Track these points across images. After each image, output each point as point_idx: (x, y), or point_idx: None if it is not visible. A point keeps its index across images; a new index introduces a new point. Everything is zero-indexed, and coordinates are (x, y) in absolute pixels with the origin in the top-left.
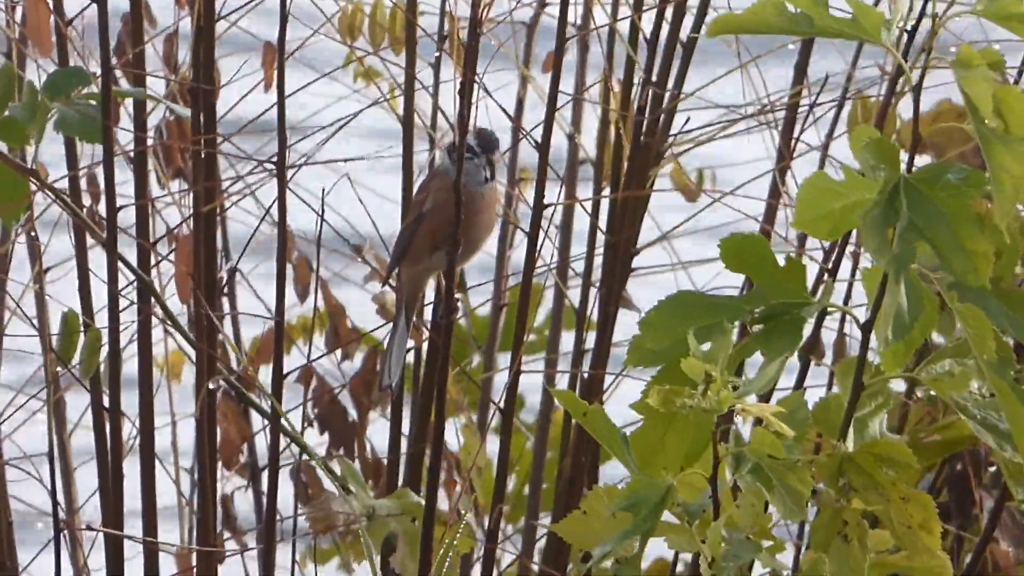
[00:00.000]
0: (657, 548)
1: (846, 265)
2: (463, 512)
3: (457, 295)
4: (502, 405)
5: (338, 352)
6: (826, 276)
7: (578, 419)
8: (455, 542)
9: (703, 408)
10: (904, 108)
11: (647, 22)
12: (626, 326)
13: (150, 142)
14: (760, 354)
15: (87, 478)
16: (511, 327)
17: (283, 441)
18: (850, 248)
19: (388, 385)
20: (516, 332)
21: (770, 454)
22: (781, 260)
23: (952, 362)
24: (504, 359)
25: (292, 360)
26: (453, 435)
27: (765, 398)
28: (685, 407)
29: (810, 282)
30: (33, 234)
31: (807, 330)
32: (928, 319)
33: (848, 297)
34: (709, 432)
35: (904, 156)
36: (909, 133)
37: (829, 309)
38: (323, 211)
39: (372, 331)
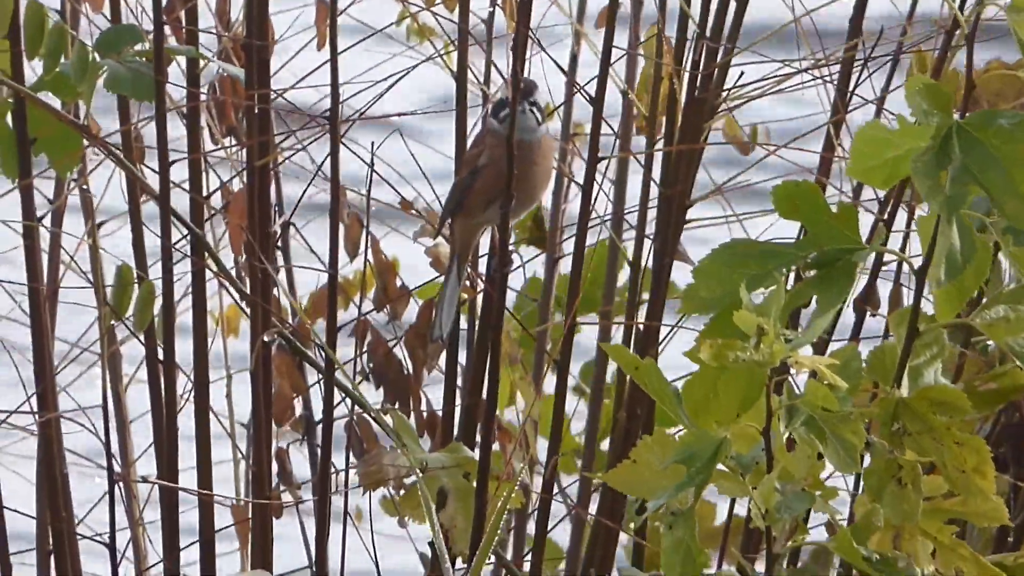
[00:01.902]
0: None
1: (902, 217)
2: (521, 467)
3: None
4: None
5: (388, 309)
6: (881, 226)
7: (629, 373)
8: (509, 498)
9: (756, 361)
10: (961, 63)
11: None
12: (681, 280)
13: (203, 98)
14: (814, 303)
15: (142, 431)
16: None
17: (338, 395)
18: (905, 199)
19: (439, 337)
20: (571, 284)
21: (824, 406)
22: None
23: (1007, 308)
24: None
25: (347, 316)
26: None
27: (820, 350)
28: (737, 360)
29: (866, 233)
30: (86, 188)
31: (862, 279)
32: (981, 265)
33: (904, 248)
34: (761, 383)
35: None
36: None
37: (885, 259)
38: (372, 163)
39: (420, 287)
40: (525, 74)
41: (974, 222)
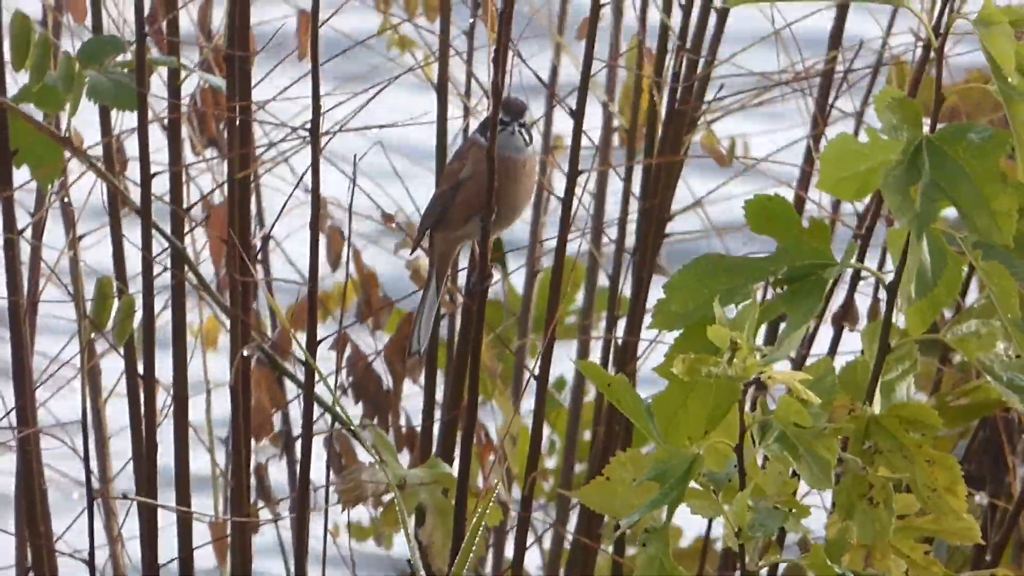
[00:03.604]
0: (697, 527)
1: (881, 232)
2: (496, 483)
3: (492, 263)
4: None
5: (371, 321)
6: (859, 241)
7: (603, 390)
8: (486, 512)
9: (729, 376)
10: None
11: None
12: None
13: (184, 109)
14: (782, 319)
15: (121, 446)
16: (545, 294)
17: (317, 410)
18: (884, 214)
19: (416, 351)
20: (550, 298)
21: (796, 422)
22: (806, 222)
23: (979, 322)
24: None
25: (327, 329)
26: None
27: (798, 365)
28: (710, 375)
29: (844, 247)
30: (67, 200)
31: (839, 293)
32: (953, 279)
33: (882, 263)
34: (732, 398)
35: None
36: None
37: (863, 275)
38: (355, 177)
39: (403, 299)
40: (505, 86)
41: (946, 236)
